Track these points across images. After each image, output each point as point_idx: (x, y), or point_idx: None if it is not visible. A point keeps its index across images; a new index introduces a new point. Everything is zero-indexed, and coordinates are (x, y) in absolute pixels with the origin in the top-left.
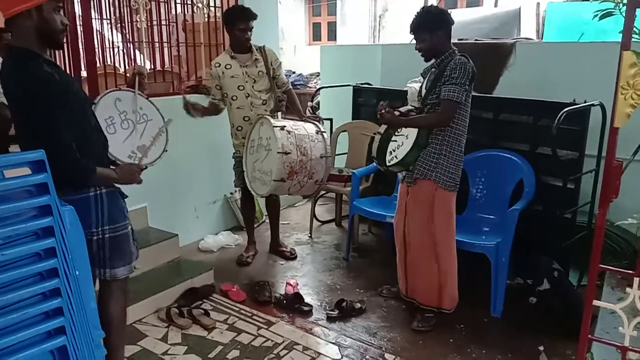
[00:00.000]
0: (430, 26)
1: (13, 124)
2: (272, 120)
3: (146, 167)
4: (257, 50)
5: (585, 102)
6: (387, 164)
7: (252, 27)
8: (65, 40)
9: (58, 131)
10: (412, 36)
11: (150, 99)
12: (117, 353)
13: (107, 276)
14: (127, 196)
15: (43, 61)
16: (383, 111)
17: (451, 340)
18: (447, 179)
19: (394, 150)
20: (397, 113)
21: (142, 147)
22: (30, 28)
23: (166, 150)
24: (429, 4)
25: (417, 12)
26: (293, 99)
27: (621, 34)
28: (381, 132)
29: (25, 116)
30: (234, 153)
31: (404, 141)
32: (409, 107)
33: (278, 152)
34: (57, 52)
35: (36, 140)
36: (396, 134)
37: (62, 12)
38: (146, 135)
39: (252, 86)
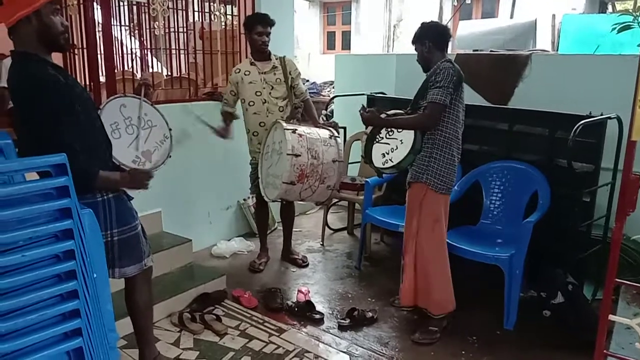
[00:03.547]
0: (421, 38)
1: (14, 129)
2: (284, 124)
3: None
4: (276, 59)
5: (601, 114)
6: (382, 166)
7: (270, 33)
8: (73, 40)
9: (61, 132)
10: None
11: (155, 105)
12: (147, 331)
13: (117, 275)
14: (132, 197)
15: (47, 64)
16: (361, 111)
17: (463, 351)
18: (438, 181)
19: (388, 153)
20: (383, 115)
21: (146, 153)
22: (32, 33)
23: (170, 156)
24: (444, 15)
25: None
26: (310, 108)
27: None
28: (367, 133)
29: (30, 119)
30: (250, 160)
31: (398, 145)
32: (397, 111)
33: (288, 154)
34: (76, 57)
35: (40, 143)
36: (388, 136)
37: (60, 15)
38: (150, 140)
39: (270, 93)
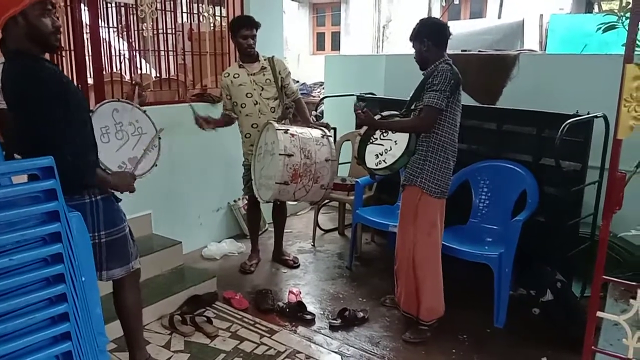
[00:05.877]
0: (421, 36)
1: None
2: (276, 125)
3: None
4: (265, 60)
5: (588, 113)
6: (375, 167)
7: (255, 35)
8: (61, 42)
9: (62, 127)
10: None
11: (147, 112)
12: (136, 334)
13: (104, 277)
14: (120, 200)
15: (43, 60)
16: (359, 111)
17: (454, 350)
18: (432, 185)
19: (381, 154)
20: (378, 116)
21: (133, 159)
22: (21, 34)
23: (156, 165)
24: (432, 15)
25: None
26: (302, 107)
27: (624, 47)
28: (361, 134)
29: (28, 116)
30: (243, 161)
31: (392, 146)
32: (392, 112)
33: (280, 154)
34: (63, 59)
35: (39, 139)
36: (382, 137)
37: (53, 15)
38: (138, 148)
39: (260, 94)
